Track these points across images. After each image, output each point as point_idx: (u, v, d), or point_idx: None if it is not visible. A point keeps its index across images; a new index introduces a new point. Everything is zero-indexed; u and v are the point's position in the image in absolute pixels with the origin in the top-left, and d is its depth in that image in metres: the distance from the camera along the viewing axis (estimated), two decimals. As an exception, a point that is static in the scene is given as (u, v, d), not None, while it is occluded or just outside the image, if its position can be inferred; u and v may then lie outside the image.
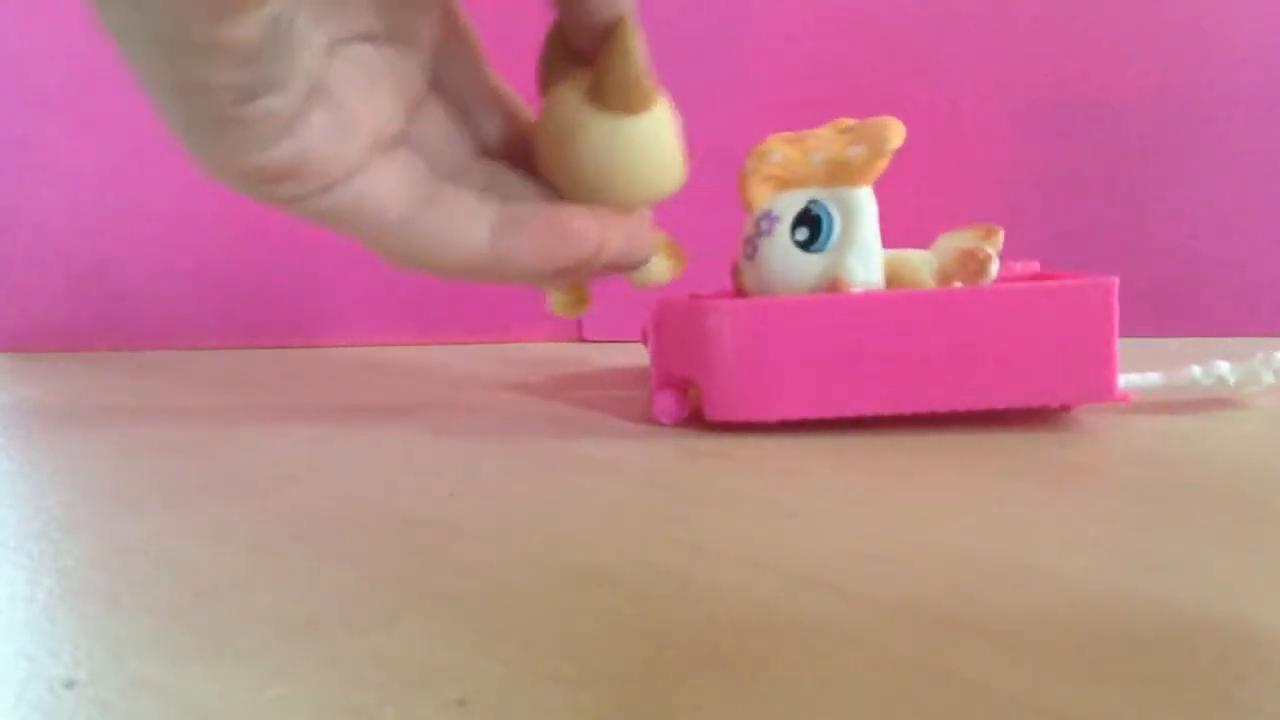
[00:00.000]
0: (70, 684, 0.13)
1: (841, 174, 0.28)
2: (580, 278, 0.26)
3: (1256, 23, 0.49)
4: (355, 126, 0.21)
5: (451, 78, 0.26)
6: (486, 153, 0.27)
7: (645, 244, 0.26)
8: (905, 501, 0.21)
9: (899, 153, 0.28)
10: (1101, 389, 0.27)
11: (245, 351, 0.56)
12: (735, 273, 0.32)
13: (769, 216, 0.30)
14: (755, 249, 0.30)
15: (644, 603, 0.16)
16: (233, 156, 0.20)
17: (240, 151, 0.20)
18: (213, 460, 0.27)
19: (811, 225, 0.29)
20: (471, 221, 0.23)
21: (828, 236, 0.28)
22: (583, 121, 0.24)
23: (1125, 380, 0.29)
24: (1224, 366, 0.30)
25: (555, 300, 0.29)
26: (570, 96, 0.24)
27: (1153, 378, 0.30)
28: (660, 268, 0.28)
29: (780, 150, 0.30)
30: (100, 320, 0.58)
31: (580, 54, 0.24)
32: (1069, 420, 0.29)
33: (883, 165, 0.28)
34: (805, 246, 0.29)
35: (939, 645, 0.14)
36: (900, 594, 0.16)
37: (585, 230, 0.24)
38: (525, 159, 0.26)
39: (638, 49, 0.23)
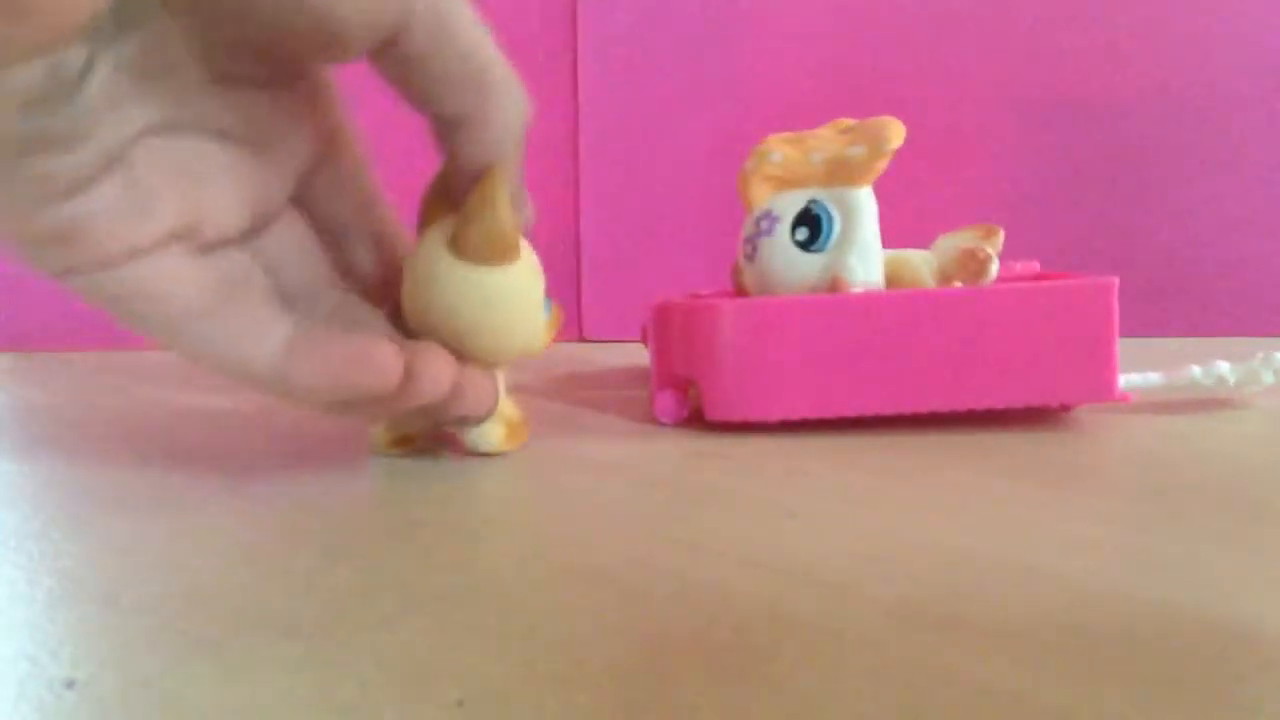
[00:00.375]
0: (70, 684, 0.13)
1: (841, 174, 0.28)
2: (389, 414, 0.24)
3: (1256, 23, 0.49)
4: (150, 211, 0.20)
5: (325, 199, 0.25)
6: (359, 283, 0.26)
7: (483, 401, 0.24)
8: (905, 501, 0.21)
9: (899, 153, 0.28)
10: (1101, 389, 0.27)
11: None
12: (735, 273, 0.32)
13: (769, 216, 0.30)
14: (755, 249, 0.30)
15: (644, 603, 0.16)
16: (7, 211, 0.19)
17: (15, 207, 0.19)
18: (212, 460, 0.27)
19: (811, 225, 0.29)
20: (264, 334, 0.22)
21: (828, 236, 0.28)
22: (440, 267, 0.23)
23: (1125, 380, 0.29)
24: (1224, 366, 0.30)
25: (374, 436, 0.28)
26: (435, 240, 0.23)
27: (1153, 378, 0.30)
28: (495, 437, 0.26)
29: (780, 150, 0.30)
30: (100, 320, 0.58)
31: (456, 198, 0.24)
32: (1069, 420, 0.29)
33: (883, 165, 0.28)
34: (805, 246, 0.29)
35: (939, 645, 0.14)
36: (900, 594, 0.16)
37: (385, 364, 0.22)
38: (397, 297, 0.25)
39: (503, 201, 0.22)
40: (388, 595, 0.16)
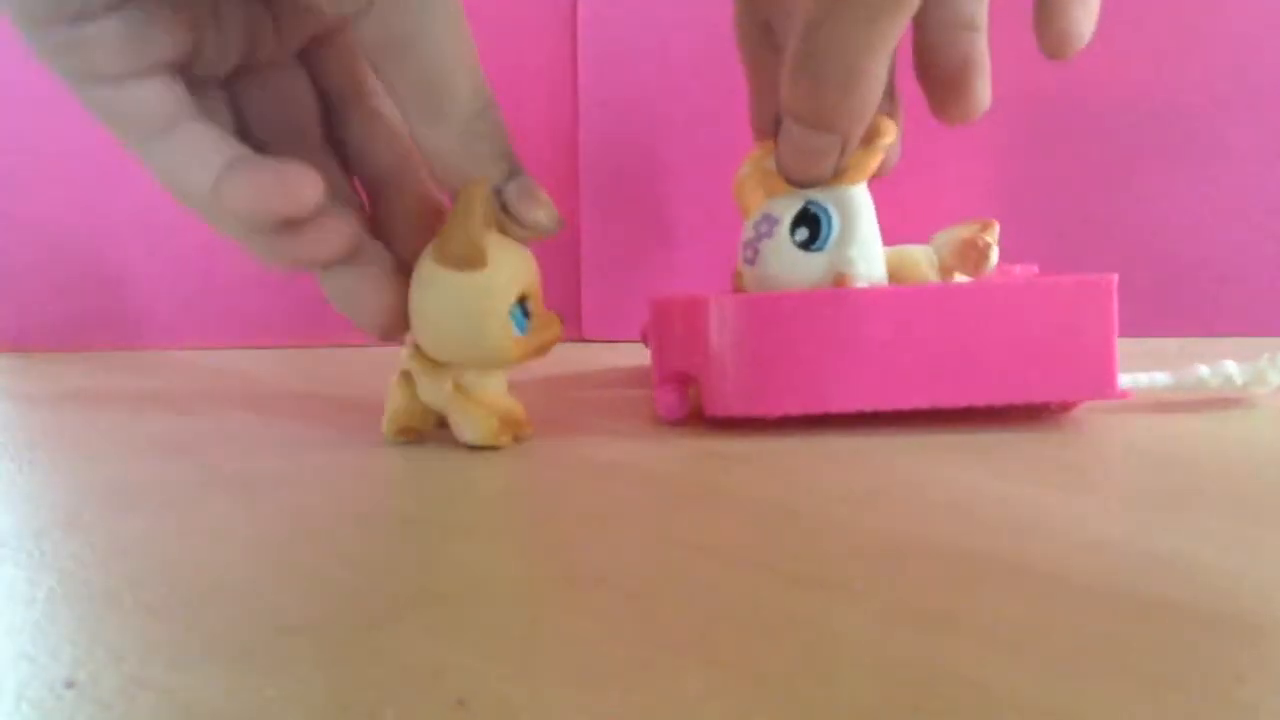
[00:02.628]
0: (70, 684, 0.13)
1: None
2: (305, 258, 0.26)
3: (1256, 23, 0.49)
4: (147, 43, 0.23)
5: (329, 69, 0.28)
6: (352, 165, 0.28)
7: (331, 238, 0.26)
8: (905, 500, 0.21)
9: (900, 153, 0.28)
10: (1101, 386, 0.27)
11: (245, 351, 0.56)
12: (735, 279, 0.32)
13: (768, 219, 0.30)
14: (756, 252, 0.30)
15: (644, 603, 0.16)
16: (23, 16, 0.22)
17: (28, 15, 0.22)
18: (213, 460, 0.27)
19: (811, 225, 0.29)
20: (210, 157, 0.24)
21: (828, 235, 0.28)
22: (422, 261, 0.26)
23: (1133, 380, 0.29)
24: (1231, 366, 0.30)
25: (386, 421, 0.29)
26: (431, 245, 0.26)
27: (1159, 377, 0.30)
28: (485, 428, 0.27)
29: (773, 154, 0.30)
30: (100, 320, 0.58)
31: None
32: (1069, 420, 0.29)
33: (876, 161, 0.28)
34: (806, 246, 0.29)
35: (939, 645, 0.14)
36: (900, 594, 0.16)
37: (304, 187, 0.23)
38: (407, 191, 0.28)
39: (470, 213, 0.24)
40: (388, 595, 0.16)
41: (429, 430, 0.29)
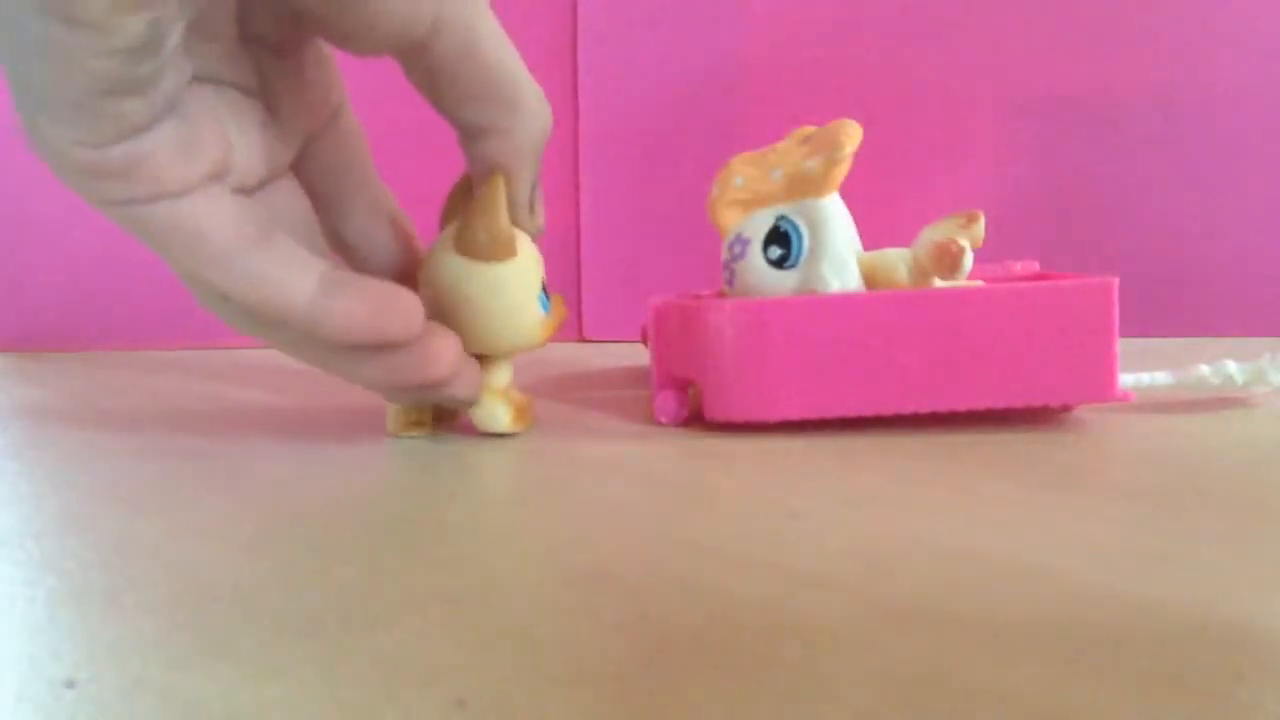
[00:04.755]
0: (70, 684, 0.13)
1: (802, 187, 0.28)
2: (400, 383, 0.25)
3: (1256, 22, 0.49)
4: (199, 150, 0.21)
5: (324, 167, 0.27)
6: (350, 256, 0.28)
7: (469, 386, 0.27)
8: (905, 501, 0.21)
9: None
10: (1102, 389, 0.27)
11: (245, 351, 0.56)
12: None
13: (740, 240, 0.30)
14: (732, 274, 0.30)
15: (644, 603, 0.16)
16: (73, 144, 0.20)
17: (82, 141, 0.20)
18: (213, 460, 0.27)
19: (782, 242, 0.29)
20: (300, 272, 0.23)
21: (799, 251, 0.28)
22: (444, 260, 0.26)
23: (1134, 380, 0.29)
24: (1232, 366, 0.30)
25: (390, 417, 0.29)
26: (447, 235, 0.26)
27: (1160, 377, 0.30)
28: (504, 418, 0.28)
29: (742, 173, 0.30)
30: (100, 320, 0.58)
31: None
32: (1069, 420, 0.29)
33: (842, 172, 0.28)
34: (779, 264, 0.29)
35: (939, 645, 0.14)
36: (900, 594, 0.16)
37: (410, 311, 0.24)
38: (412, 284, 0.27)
39: (500, 203, 0.25)
40: (388, 595, 0.16)
41: (430, 424, 0.29)
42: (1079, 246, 0.51)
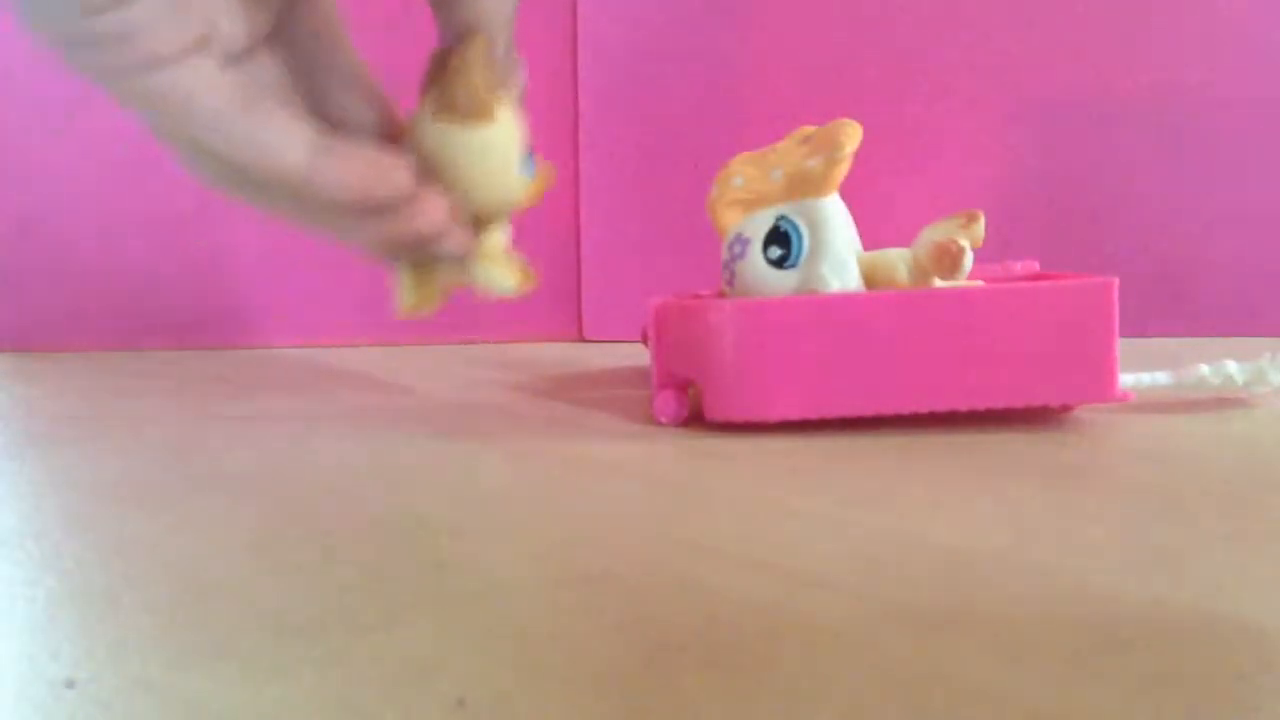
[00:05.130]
0: (70, 684, 0.13)
1: (802, 187, 0.28)
2: (390, 237, 0.26)
3: (1256, 22, 0.49)
4: (187, 19, 0.22)
5: (300, 36, 0.27)
6: (329, 124, 0.28)
7: (461, 239, 0.27)
8: (905, 501, 0.21)
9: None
10: (1102, 389, 0.27)
11: (245, 351, 0.56)
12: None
13: (740, 240, 0.30)
14: (733, 274, 0.30)
15: (644, 603, 0.16)
16: (65, 13, 0.20)
17: (73, 10, 0.20)
18: (213, 460, 0.27)
19: (782, 242, 0.29)
20: (291, 135, 0.24)
21: (799, 251, 0.28)
22: (425, 126, 0.26)
23: (1134, 380, 0.29)
24: (1232, 366, 0.30)
25: (402, 293, 0.30)
26: (426, 103, 0.26)
27: (1161, 377, 0.30)
28: (507, 280, 0.29)
29: (742, 173, 0.30)
30: (101, 320, 0.58)
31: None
32: (1069, 420, 0.29)
33: (841, 172, 0.28)
34: (779, 264, 0.29)
35: (939, 645, 0.14)
36: (900, 594, 0.16)
37: (396, 170, 0.24)
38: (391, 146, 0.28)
39: (479, 63, 0.25)
40: (388, 595, 0.16)
41: (438, 297, 0.30)
42: (1079, 246, 0.51)
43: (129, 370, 0.49)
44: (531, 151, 0.28)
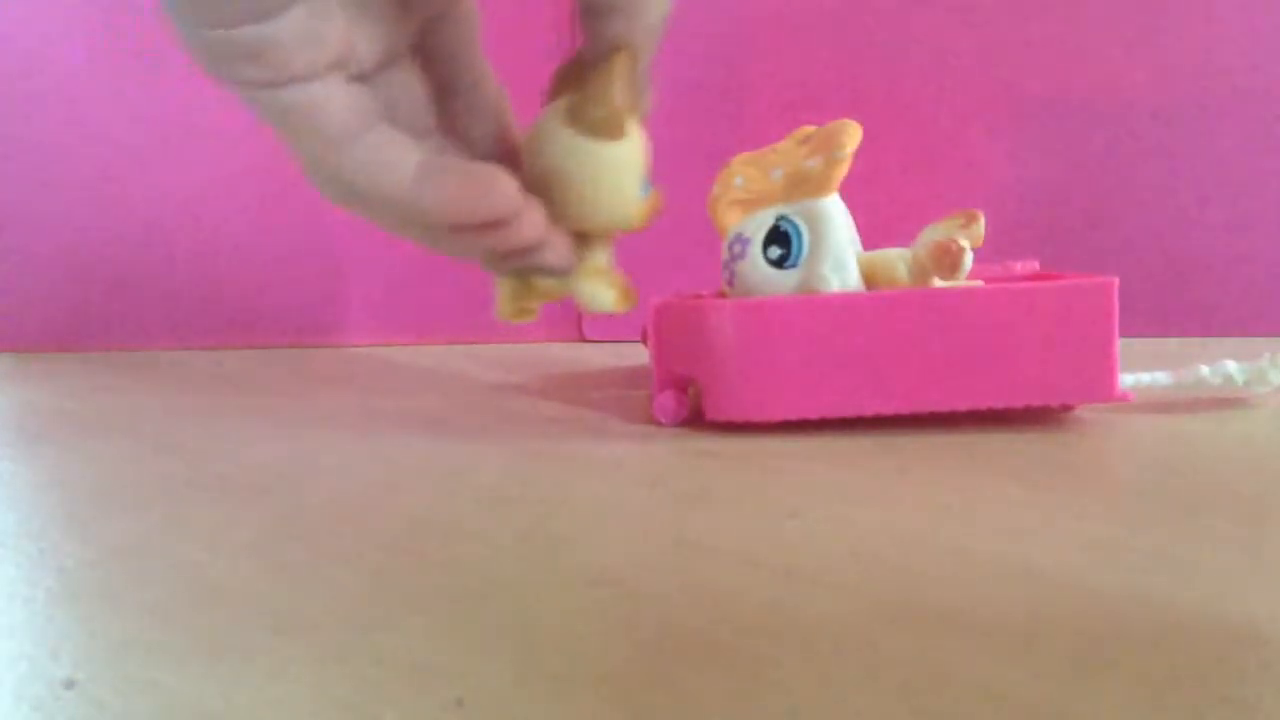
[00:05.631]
0: (70, 684, 0.13)
1: (802, 187, 0.28)
2: (493, 248, 0.26)
3: (1256, 22, 0.49)
4: (325, 37, 0.22)
5: (439, 52, 0.28)
6: (463, 141, 0.28)
7: (562, 254, 0.27)
8: (905, 501, 0.21)
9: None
10: (1102, 389, 0.27)
11: (245, 351, 0.56)
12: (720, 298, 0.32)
13: (740, 240, 0.30)
14: (733, 274, 0.30)
15: (644, 603, 0.16)
16: (207, 24, 0.21)
17: (215, 21, 0.21)
18: (212, 460, 0.27)
19: (782, 242, 0.29)
20: (401, 156, 0.24)
21: (799, 251, 0.28)
22: (556, 135, 0.26)
23: (1134, 380, 0.29)
24: (1232, 366, 0.30)
25: (501, 301, 0.30)
26: (557, 110, 0.26)
27: (1161, 377, 0.30)
28: (607, 298, 0.29)
29: (742, 173, 0.30)
30: (100, 320, 0.58)
31: (586, 76, 0.26)
32: (1069, 420, 0.29)
33: (841, 172, 0.28)
34: (779, 264, 0.29)
35: (939, 645, 0.14)
36: (900, 594, 0.16)
37: (506, 191, 0.25)
38: (506, 160, 0.28)
39: (620, 82, 0.25)
40: (388, 595, 0.16)
41: (536, 311, 0.30)
42: (1079, 246, 0.51)
43: (128, 370, 0.49)
44: (648, 175, 0.28)
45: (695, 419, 0.30)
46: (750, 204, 0.30)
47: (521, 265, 0.28)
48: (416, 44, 0.27)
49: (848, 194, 0.29)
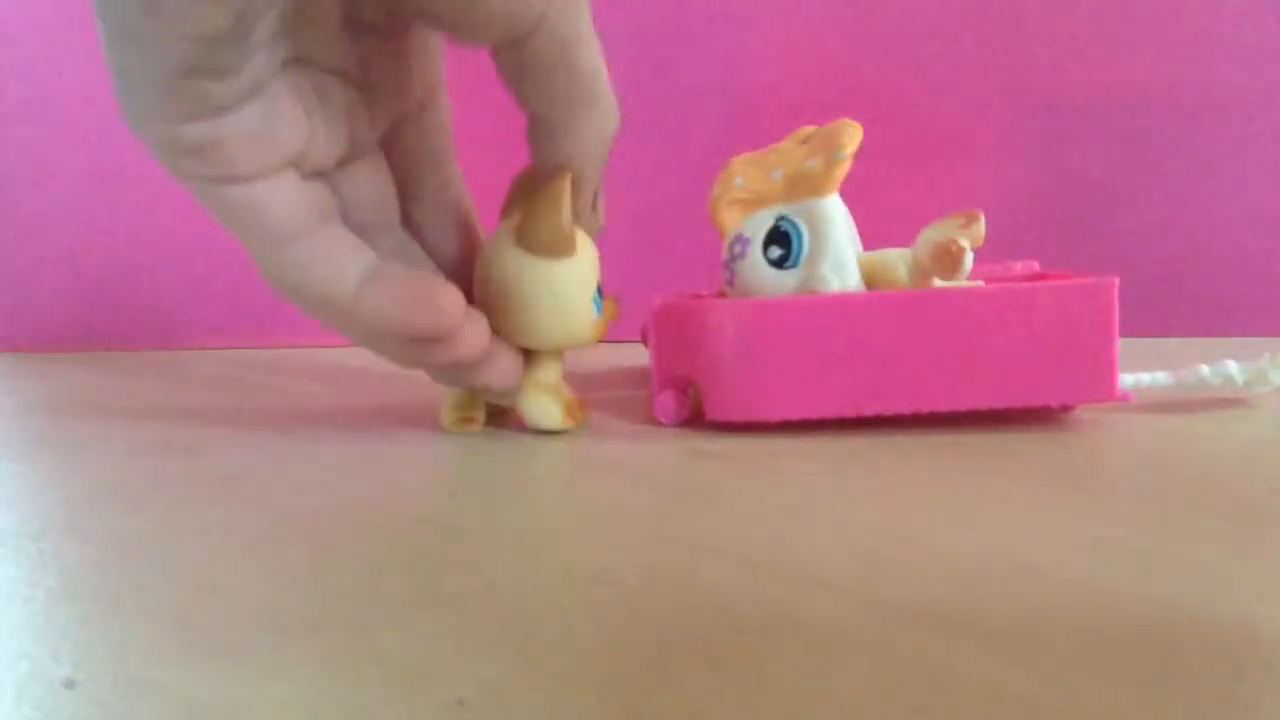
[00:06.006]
0: (70, 684, 0.13)
1: (802, 187, 0.28)
2: (432, 363, 0.26)
3: (1256, 22, 0.49)
4: (278, 137, 0.22)
5: (407, 148, 0.27)
6: (416, 236, 0.28)
7: (505, 373, 0.27)
8: (905, 501, 0.21)
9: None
10: (1102, 389, 0.27)
11: (245, 352, 0.56)
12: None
13: (740, 240, 0.30)
14: (733, 274, 0.30)
15: (644, 603, 0.16)
16: (156, 118, 0.21)
17: (164, 116, 0.21)
18: (213, 460, 0.27)
19: (782, 242, 0.29)
20: (345, 263, 0.24)
21: (799, 251, 0.28)
22: (503, 252, 0.26)
23: (1134, 380, 0.29)
24: (1232, 366, 0.30)
25: (444, 410, 0.30)
26: (506, 227, 0.27)
27: (1161, 377, 0.30)
28: (554, 415, 0.28)
29: (742, 173, 0.30)
30: (101, 320, 0.58)
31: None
32: (1069, 420, 0.29)
33: (841, 172, 0.28)
34: (780, 264, 0.29)
35: (939, 645, 0.14)
36: (900, 594, 0.16)
37: (445, 306, 0.24)
38: (465, 268, 0.28)
39: (564, 201, 0.25)
40: (388, 595, 0.16)
41: (482, 421, 0.30)
42: (1079, 246, 0.51)
43: (128, 370, 0.49)
44: (601, 290, 0.28)
45: (695, 419, 0.30)
46: (750, 204, 0.30)
47: (464, 380, 0.27)
48: (387, 139, 0.27)
49: (848, 194, 0.29)
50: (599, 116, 0.25)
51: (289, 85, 0.22)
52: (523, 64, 0.24)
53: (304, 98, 0.23)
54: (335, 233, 0.24)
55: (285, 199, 0.23)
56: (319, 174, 0.25)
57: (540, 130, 0.25)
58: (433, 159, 0.28)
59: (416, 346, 0.25)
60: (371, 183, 0.26)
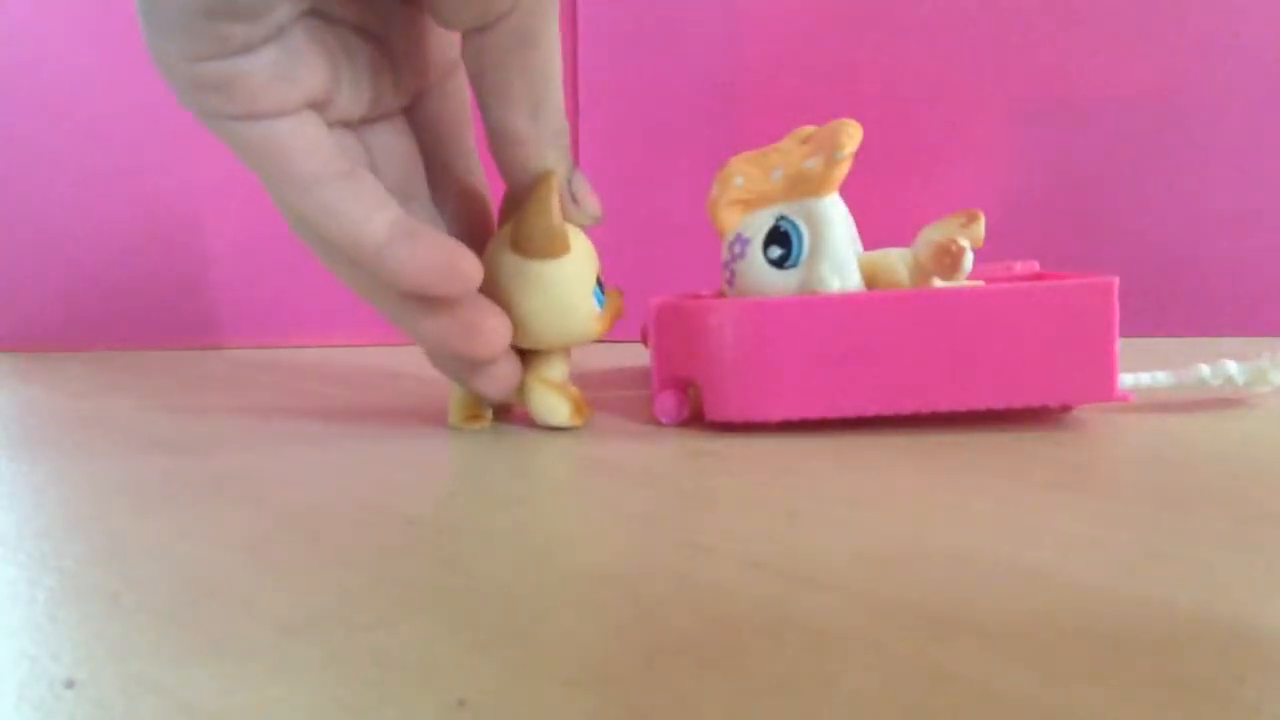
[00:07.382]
0: (70, 684, 0.13)
1: (802, 187, 0.28)
2: (452, 346, 0.27)
3: (1256, 22, 0.49)
4: (298, 78, 0.23)
5: (429, 120, 0.28)
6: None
7: (502, 383, 0.28)
8: (905, 501, 0.21)
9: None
10: (1102, 389, 0.27)
11: (245, 352, 0.56)
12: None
13: (740, 240, 0.30)
14: (733, 274, 0.30)
15: (644, 603, 0.16)
16: (178, 56, 0.21)
17: (185, 55, 0.21)
18: (213, 460, 0.27)
19: (782, 242, 0.29)
20: (375, 211, 0.24)
21: (799, 252, 0.28)
22: (500, 259, 0.27)
23: (1134, 380, 0.29)
24: (1232, 366, 0.30)
25: (451, 409, 0.31)
26: (502, 235, 0.27)
27: (1161, 377, 0.30)
28: (561, 412, 0.29)
29: (742, 173, 0.30)
30: (100, 320, 0.58)
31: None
32: (1069, 420, 0.29)
33: (841, 172, 0.28)
34: (780, 264, 0.29)
35: (939, 645, 0.14)
36: (900, 594, 0.16)
37: (468, 272, 0.25)
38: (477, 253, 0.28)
39: (550, 203, 0.26)
40: (388, 595, 0.16)
41: (489, 417, 0.31)
42: (1079, 246, 0.51)
43: (127, 370, 0.49)
44: (602, 284, 0.28)
45: (695, 419, 0.30)
46: (750, 204, 0.30)
47: (465, 378, 0.28)
48: (410, 112, 0.27)
49: (848, 194, 0.29)
50: (543, 120, 0.26)
51: (309, 33, 0.23)
52: (481, 51, 0.24)
53: (327, 47, 0.23)
54: (366, 181, 0.24)
55: (309, 141, 0.23)
56: (347, 126, 0.25)
57: (495, 146, 0.26)
58: (447, 138, 0.28)
59: (439, 321, 0.26)
60: (394, 145, 0.27)
